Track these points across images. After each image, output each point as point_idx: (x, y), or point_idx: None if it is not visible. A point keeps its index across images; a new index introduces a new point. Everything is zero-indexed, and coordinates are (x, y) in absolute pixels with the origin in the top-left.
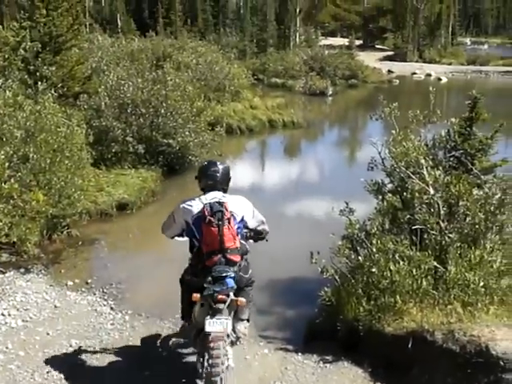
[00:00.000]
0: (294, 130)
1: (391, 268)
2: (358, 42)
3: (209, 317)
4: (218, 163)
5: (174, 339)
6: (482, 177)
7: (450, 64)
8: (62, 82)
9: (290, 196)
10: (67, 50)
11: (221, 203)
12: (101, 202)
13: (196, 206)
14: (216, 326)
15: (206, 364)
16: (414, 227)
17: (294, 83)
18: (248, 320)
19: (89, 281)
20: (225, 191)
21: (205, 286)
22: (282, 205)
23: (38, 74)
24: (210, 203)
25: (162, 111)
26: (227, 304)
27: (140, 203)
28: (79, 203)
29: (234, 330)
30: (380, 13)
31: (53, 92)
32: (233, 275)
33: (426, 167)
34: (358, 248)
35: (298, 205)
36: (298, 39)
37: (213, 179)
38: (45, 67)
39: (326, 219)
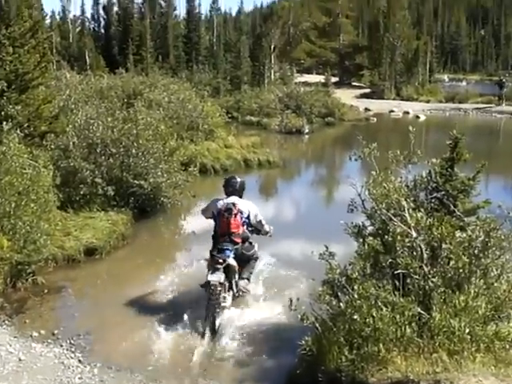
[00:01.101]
0: (269, 170)
1: (374, 315)
2: (334, 79)
3: (210, 272)
4: (237, 177)
5: None
6: (465, 219)
7: (427, 101)
8: (27, 122)
9: (265, 239)
10: (34, 88)
11: (233, 203)
12: (68, 246)
13: (220, 203)
14: (213, 277)
15: (207, 303)
16: (396, 272)
17: (269, 121)
18: (248, 279)
19: (55, 331)
20: (240, 197)
21: (211, 254)
22: (258, 248)
23: (2, 113)
24: (226, 203)
25: (133, 151)
26: (224, 265)
27: (109, 248)
28: (45, 249)
29: (237, 285)
30: (356, 49)
31: (18, 132)
32: (230, 249)
33: (408, 209)
34: (339, 294)
35: (274, 248)
36: (272, 76)
37: (232, 187)
38: (10, 106)
39: (304, 263)
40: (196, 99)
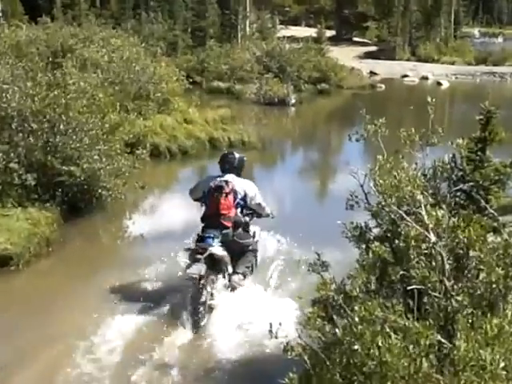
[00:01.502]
0: (244, 152)
1: (380, 344)
2: (329, 33)
3: (190, 263)
4: (235, 153)
5: None
6: (500, 218)
7: (452, 63)
8: None
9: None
10: None
11: (226, 181)
12: None
13: (212, 181)
14: (192, 269)
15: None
16: (409, 287)
17: (243, 88)
18: (244, 275)
19: None
20: (238, 175)
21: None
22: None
23: None
24: (218, 180)
25: (61, 127)
26: (205, 255)
27: (29, 256)
28: None
29: (230, 280)
30: None
31: None
32: (214, 235)
33: (425, 205)
34: (335, 317)
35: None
36: (248, 29)
37: (229, 164)
38: None
39: (290, 276)
40: (146, 59)
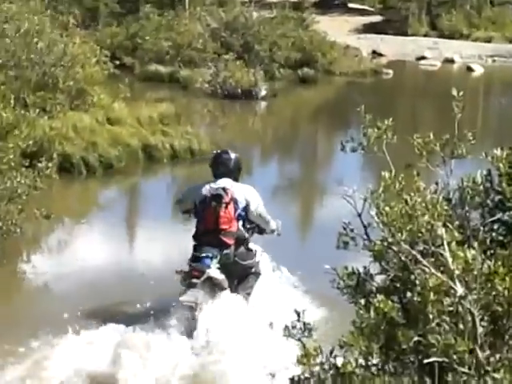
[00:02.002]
0: (193, 166)
1: None
2: None
3: (184, 289)
4: (231, 152)
5: None
6: None
7: (488, 41)
8: None
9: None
10: None
11: (224, 188)
12: None
13: (205, 189)
14: (187, 296)
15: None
16: (427, 360)
17: (192, 75)
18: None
19: None
20: (236, 179)
21: (187, 264)
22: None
23: None
24: (214, 188)
25: None
26: (202, 279)
27: None
28: None
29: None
30: None
31: None
32: (212, 255)
33: (449, 243)
34: None
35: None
36: None
37: (224, 167)
38: None
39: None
40: (53, 32)
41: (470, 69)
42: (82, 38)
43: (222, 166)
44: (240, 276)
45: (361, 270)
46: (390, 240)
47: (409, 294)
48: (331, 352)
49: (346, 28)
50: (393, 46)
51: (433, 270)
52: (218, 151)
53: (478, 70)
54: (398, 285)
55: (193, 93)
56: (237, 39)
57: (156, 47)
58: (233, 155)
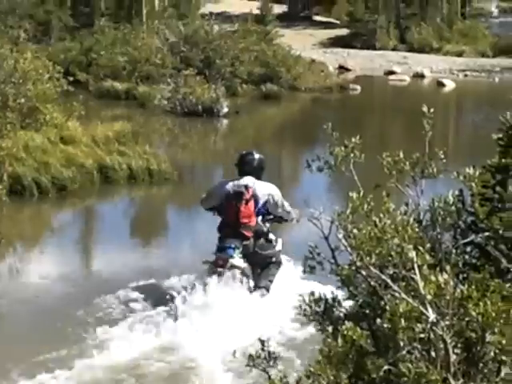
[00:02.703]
0: (152, 187)
1: None
2: (279, 9)
3: (211, 276)
4: (255, 153)
5: None
6: None
7: (459, 54)
8: None
9: None
10: None
11: (246, 186)
12: None
13: (229, 186)
14: (214, 282)
15: None
16: None
17: (150, 91)
18: (267, 289)
19: None
20: (258, 178)
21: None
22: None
23: None
24: (237, 185)
25: None
26: (226, 268)
27: None
28: None
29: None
30: None
31: None
32: (234, 246)
33: (420, 266)
34: None
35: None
36: (157, 2)
37: (249, 166)
38: None
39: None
40: (2, 47)
41: (440, 84)
42: (33, 53)
43: (246, 166)
44: (262, 265)
45: (328, 296)
46: (358, 264)
47: (378, 321)
48: (297, 382)
49: (312, 42)
50: (360, 61)
51: (403, 295)
52: (244, 152)
53: (449, 85)
54: (367, 311)
55: (151, 110)
56: (197, 54)
57: (112, 62)
58: (257, 156)
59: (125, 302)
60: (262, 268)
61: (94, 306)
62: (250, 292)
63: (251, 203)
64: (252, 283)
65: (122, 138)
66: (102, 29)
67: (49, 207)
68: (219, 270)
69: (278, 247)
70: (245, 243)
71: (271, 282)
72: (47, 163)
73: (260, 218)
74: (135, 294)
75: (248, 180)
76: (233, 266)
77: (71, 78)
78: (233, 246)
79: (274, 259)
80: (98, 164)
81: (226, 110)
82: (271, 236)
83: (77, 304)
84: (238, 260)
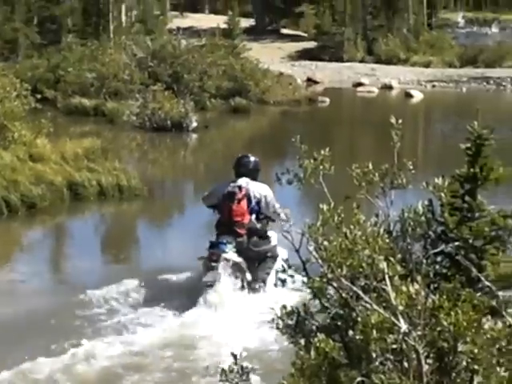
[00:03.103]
0: (122, 203)
1: None
2: (246, 23)
3: (205, 271)
4: (251, 156)
5: None
6: (501, 293)
7: (427, 65)
8: None
9: None
10: None
11: (239, 186)
12: None
13: (225, 186)
14: (208, 277)
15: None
16: None
17: (119, 107)
18: (263, 281)
19: None
20: (254, 179)
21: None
22: None
23: None
24: (231, 185)
25: None
26: (220, 262)
27: None
28: None
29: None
30: None
31: None
32: (226, 241)
33: (391, 277)
34: None
35: None
36: (124, 18)
37: (245, 168)
38: None
39: None
40: None
41: (408, 95)
42: (0, 71)
43: (242, 168)
44: (259, 260)
45: (300, 308)
46: (329, 276)
47: (351, 332)
48: None
49: (280, 55)
50: (328, 73)
51: (375, 307)
52: (240, 155)
53: (417, 96)
54: (340, 323)
55: (120, 126)
56: (165, 69)
57: (79, 79)
58: (252, 158)
59: (94, 320)
60: (259, 262)
61: (65, 323)
62: (247, 285)
63: (244, 202)
64: (249, 277)
65: (91, 155)
66: (70, 45)
67: (18, 225)
68: (213, 264)
69: (274, 242)
70: (238, 240)
71: (268, 274)
72: (16, 181)
73: (254, 216)
74: (108, 308)
75: (242, 181)
76: (226, 260)
77: (39, 96)
78: (225, 241)
79: (269, 254)
80: (67, 181)
81: (194, 124)
82: (268, 232)
83: (47, 319)
84: (230, 254)
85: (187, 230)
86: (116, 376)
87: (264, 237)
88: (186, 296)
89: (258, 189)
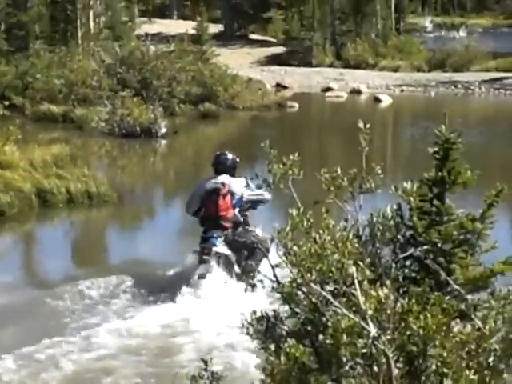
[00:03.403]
0: (91, 210)
1: None
2: (214, 29)
3: (197, 265)
4: (228, 153)
5: None
6: (469, 297)
7: (395, 70)
8: None
9: None
10: None
11: (223, 183)
12: None
13: (207, 184)
14: (201, 269)
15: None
16: None
17: (87, 113)
18: (252, 274)
19: None
20: (232, 175)
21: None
22: None
23: None
24: (213, 182)
25: None
26: (211, 255)
27: None
28: None
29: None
30: None
31: None
32: (216, 235)
33: (360, 281)
34: None
35: None
36: (92, 24)
37: (223, 165)
38: None
39: None
40: None
41: (377, 99)
42: None
43: (220, 165)
44: (247, 250)
45: (270, 313)
46: (299, 281)
47: (321, 337)
48: None
49: (248, 60)
50: (297, 78)
51: (345, 311)
52: (218, 153)
53: (386, 101)
54: (310, 328)
55: (89, 133)
56: (134, 75)
57: (48, 86)
58: (229, 156)
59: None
60: (248, 254)
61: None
62: (237, 276)
63: (228, 198)
64: (237, 269)
65: (59, 162)
66: (38, 52)
67: None
68: (205, 257)
69: (259, 234)
70: (225, 233)
71: (258, 265)
72: None
73: (237, 210)
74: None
75: (223, 178)
76: (217, 253)
77: (7, 103)
78: (215, 235)
79: (259, 245)
80: (36, 188)
81: (164, 130)
82: (251, 227)
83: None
84: (221, 247)
85: (157, 236)
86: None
87: (247, 229)
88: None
89: (239, 184)
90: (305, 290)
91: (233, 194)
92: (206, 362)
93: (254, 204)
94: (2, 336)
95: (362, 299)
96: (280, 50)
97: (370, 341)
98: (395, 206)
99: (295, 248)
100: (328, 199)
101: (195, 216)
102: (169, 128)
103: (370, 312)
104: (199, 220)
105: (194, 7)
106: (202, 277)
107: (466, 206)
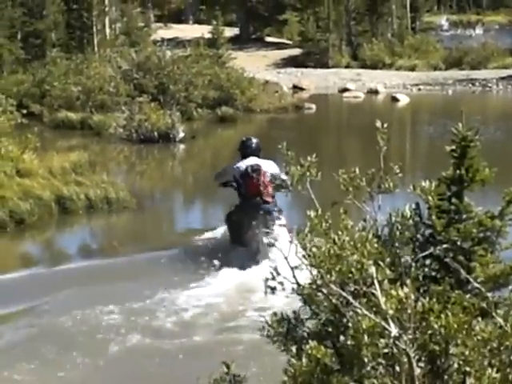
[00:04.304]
0: (110, 216)
1: None
2: (230, 33)
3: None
4: (253, 138)
5: None
6: (490, 294)
7: (412, 69)
8: None
9: None
10: None
11: (258, 165)
12: None
13: (242, 166)
14: (268, 239)
15: None
16: None
17: (105, 120)
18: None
19: None
20: (258, 157)
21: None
22: None
23: None
24: (250, 164)
25: None
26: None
27: None
28: None
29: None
30: None
31: None
32: (271, 209)
33: (381, 282)
34: None
35: None
36: (108, 31)
37: (250, 149)
38: None
39: None
40: None
41: (394, 99)
42: None
43: (248, 149)
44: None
45: (290, 315)
46: (319, 282)
47: (342, 338)
48: None
49: (265, 63)
50: (314, 80)
51: (365, 312)
52: (244, 138)
53: (404, 100)
54: (331, 329)
55: (107, 139)
56: (150, 80)
57: (65, 93)
58: (254, 140)
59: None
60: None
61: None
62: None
63: (267, 174)
64: (290, 238)
65: (78, 168)
66: (54, 60)
67: (7, 241)
68: (271, 228)
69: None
70: (267, 207)
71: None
72: (4, 197)
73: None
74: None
75: (255, 159)
76: (281, 225)
77: (25, 111)
78: (269, 209)
79: (280, 210)
80: (55, 195)
81: (182, 134)
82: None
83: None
84: (282, 220)
85: (176, 241)
86: None
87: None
88: None
89: (268, 164)
90: (325, 291)
91: (266, 174)
92: (228, 366)
93: (278, 187)
94: None
95: (382, 299)
96: (296, 51)
97: (391, 341)
98: (414, 206)
99: (314, 249)
100: (346, 200)
101: (223, 186)
102: (186, 132)
103: (390, 312)
104: (240, 199)
105: (210, 11)
106: (270, 245)
107: (484, 203)
